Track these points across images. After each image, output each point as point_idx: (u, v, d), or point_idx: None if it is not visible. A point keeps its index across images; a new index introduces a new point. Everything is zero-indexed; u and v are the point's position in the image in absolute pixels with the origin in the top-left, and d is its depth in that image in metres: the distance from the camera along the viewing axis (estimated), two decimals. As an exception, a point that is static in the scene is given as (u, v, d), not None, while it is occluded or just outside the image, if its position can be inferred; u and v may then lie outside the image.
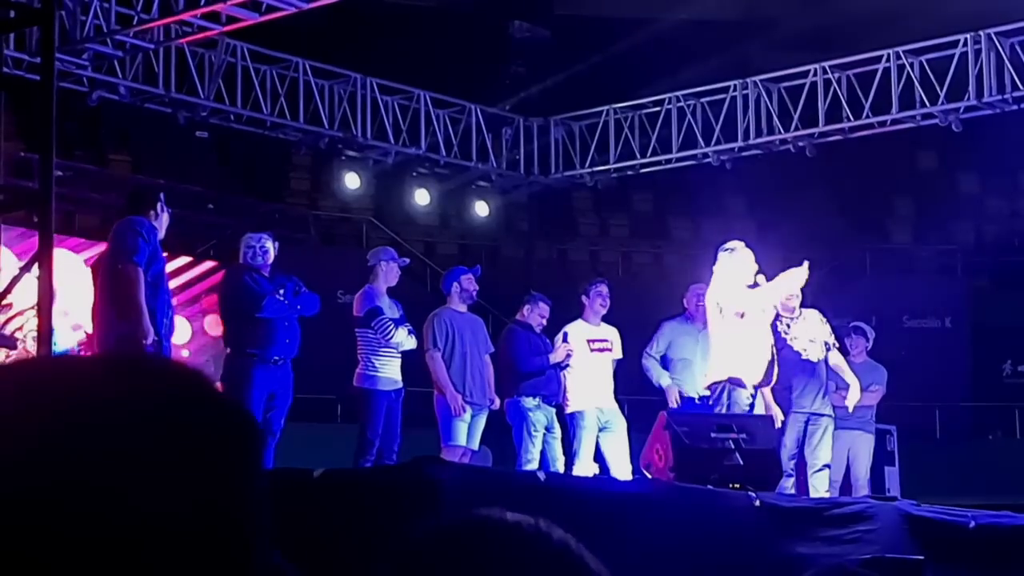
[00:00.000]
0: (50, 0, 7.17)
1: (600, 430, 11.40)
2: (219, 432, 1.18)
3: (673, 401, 11.44)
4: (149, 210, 8.68)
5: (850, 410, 11.16)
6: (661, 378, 11.58)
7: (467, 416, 10.78)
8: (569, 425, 11.42)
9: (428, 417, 10.99)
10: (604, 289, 11.66)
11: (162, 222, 8.76)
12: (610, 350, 11.54)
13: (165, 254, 9.30)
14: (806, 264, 10.54)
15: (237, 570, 1.17)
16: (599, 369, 11.47)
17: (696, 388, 11.44)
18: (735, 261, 10.36)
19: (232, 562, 1.17)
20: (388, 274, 10.57)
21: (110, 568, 1.11)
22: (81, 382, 1.17)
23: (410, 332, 10.46)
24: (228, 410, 1.20)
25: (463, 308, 11.05)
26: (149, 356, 1.28)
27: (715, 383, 10.18)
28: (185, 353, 15.50)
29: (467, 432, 10.80)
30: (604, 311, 11.62)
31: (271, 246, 9.85)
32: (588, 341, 11.50)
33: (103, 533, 1.11)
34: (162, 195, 8.90)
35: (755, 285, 10.26)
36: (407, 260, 10.96)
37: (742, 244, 10.50)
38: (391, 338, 10.30)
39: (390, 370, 10.37)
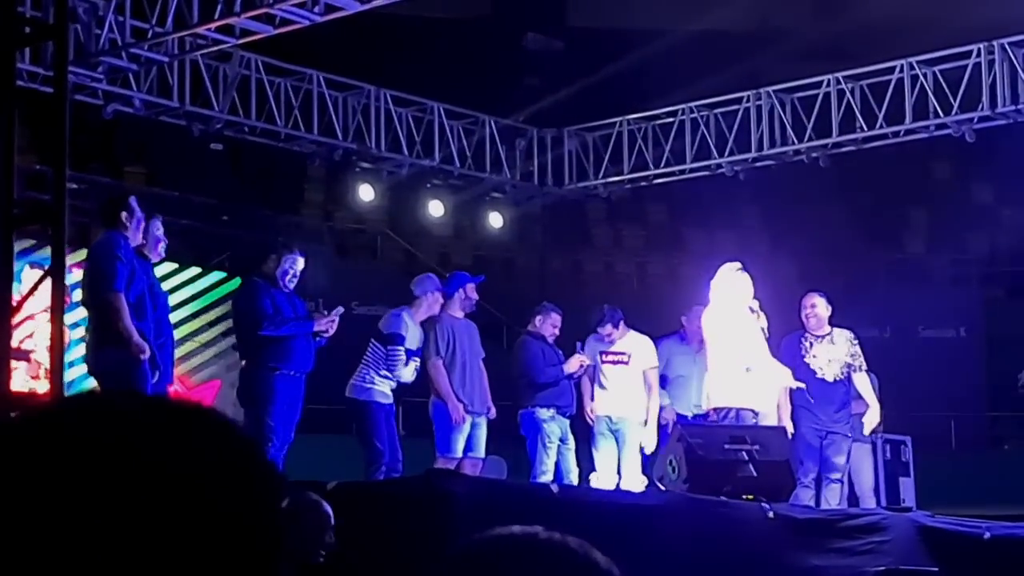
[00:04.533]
0: (63, 16, 7.20)
1: (615, 437, 11.41)
2: (246, 481, 1.20)
3: (667, 419, 11.47)
4: (120, 214, 8.66)
5: (865, 431, 11.15)
6: (662, 401, 11.63)
7: (466, 426, 10.75)
8: (590, 434, 11.47)
9: (423, 426, 10.95)
10: (614, 318, 11.62)
11: (136, 225, 8.73)
12: (624, 363, 11.52)
13: (175, 265, 9.34)
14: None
15: None
16: (615, 380, 11.48)
17: (691, 406, 11.49)
18: (724, 288, 10.34)
19: None
20: (431, 305, 10.61)
21: None
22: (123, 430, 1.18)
23: (416, 369, 10.50)
24: (250, 453, 1.23)
25: (460, 315, 11.03)
26: (186, 406, 1.29)
27: (720, 408, 10.16)
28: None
29: (465, 441, 10.76)
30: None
31: (301, 266, 9.93)
32: (601, 352, 11.53)
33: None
34: (132, 199, 8.84)
35: (753, 311, 10.26)
36: (448, 291, 10.91)
37: (734, 268, 10.46)
38: (396, 372, 10.35)
39: (386, 388, 10.42)
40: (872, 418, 11.01)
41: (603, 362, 11.54)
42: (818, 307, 10.91)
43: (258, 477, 1.22)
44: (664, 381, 11.70)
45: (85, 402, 1.22)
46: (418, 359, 10.47)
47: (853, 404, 11.19)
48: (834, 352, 10.83)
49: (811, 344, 10.81)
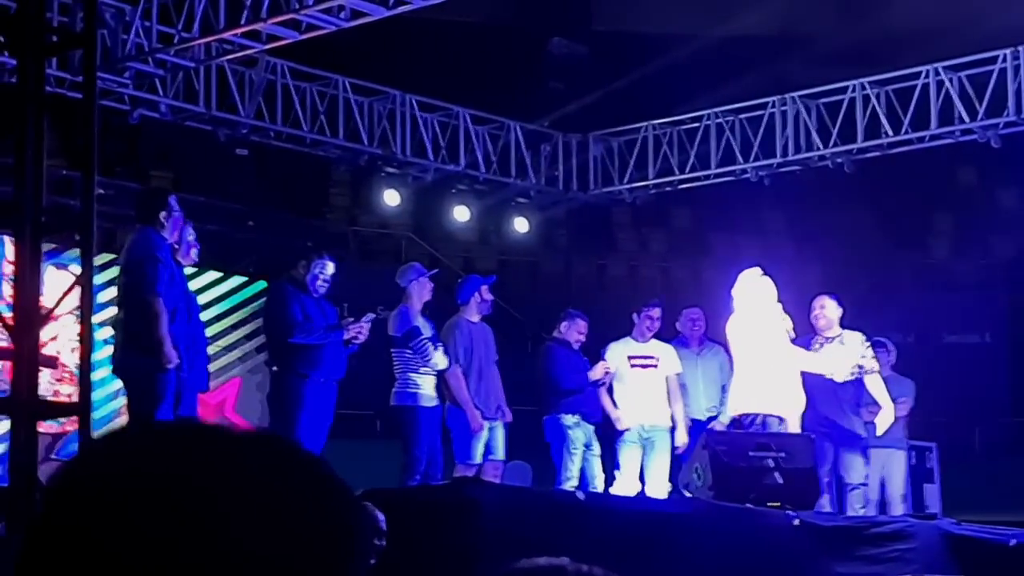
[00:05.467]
0: (92, 25, 7.25)
1: (643, 445, 11.43)
2: (335, 525, 1.23)
3: (679, 440, 11.49)
4: (159, 213, 8.67)
5: (878, 432, 11.14)
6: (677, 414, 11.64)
7: (484, 432, 10.78)
8: (613, 440, 11.48)
9: (443, 430, 10.96)
10: (655, 312, 11.72)
11: (173, 225, 8.74)
12: (655, 367, 11.55)
13: (196, 269, 9.37)
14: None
15: None
16: (642, 385, 11.50)
17: (700, 410, 11.52)
18: (747, 293, 10.34)
19: None
20: (422, 291, 10.62)
21: None
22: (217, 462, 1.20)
23: (445, 352, 10.52)
24: (345, 499, 1.25)
25: (477, 318, 11.06)
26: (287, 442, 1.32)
27: (746, 414, 10.17)
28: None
29: (484, 447, 10.79)
30: (651, 334, 11.68)
31: (332, 271, 9.94)
32: (629, 357, 11.54)
33: None
34: (172, 198, 8.85)
35: (774, 315, 10.26)
36: (436, 270, 11.00)
37: (755, 273, 10.47)
38: (430, 359, 10.35)
39: (429, 387, 10.42)
40: (885, 419, 10.99)
41: (633, 366, 11.55)
42: (827, 308, 10.92)
43: (334, 494, 1.24)
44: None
45: (153, 436, 1.24)
46: (441, 344, 10.49)
47: (873, 409, 11.20)
48: (844, 353, 10.83)
49: (820, 345, 10.81)
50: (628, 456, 11.40)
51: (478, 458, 10.72)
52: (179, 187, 18.10)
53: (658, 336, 11.81)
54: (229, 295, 16.03)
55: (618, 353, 11.62)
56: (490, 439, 10.87)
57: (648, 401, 11.52)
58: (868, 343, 11.00)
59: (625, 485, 11.20)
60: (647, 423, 11.47)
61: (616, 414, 11.53)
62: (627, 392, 11.53)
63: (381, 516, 6.08)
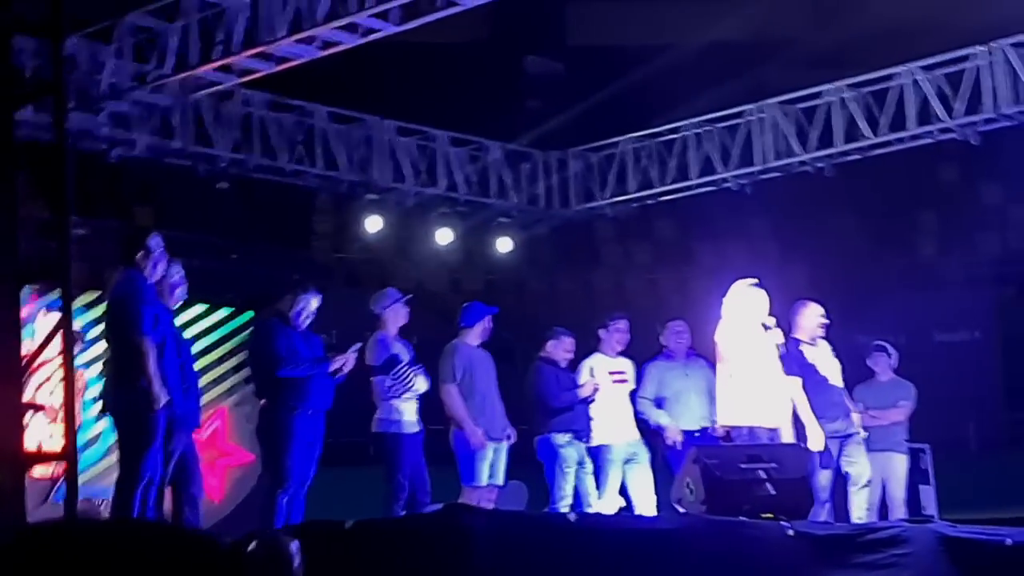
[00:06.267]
0: (59, 71, 7.24)
1: (625, 462, 11.45)
2: None
3: (673, 439, 11.48)
4: (136, 254, 8.68)
5: (861, 434, 11.12)
6: (660, 418, 11.65)
7: (488, 453, 10.75)
8: (594, 459, 11.45)
9: (446, 455, 10.95)
10: (624, 325, 11.75)
11: (153, 265, 8.75)
12: (626, 381, 11.62)
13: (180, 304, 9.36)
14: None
15: None
16: (620, 401, 11.54)
17: (695, 421, 11.52)
18: (738, 304, 10.32)
19: None
20: (397, 317, 10.61)
21: None
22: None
23: (426, 375, 10.51)
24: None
25: (477, 343, 11.07)
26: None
27: (735, 427, 10.17)
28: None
29: (489, 469, 10.78)
30: (621, 347, 11.72)
31: (316, 305, 9.95)
32: (609, 373, 11.56)
33: None
34: (150, 240, 8.85)
35: (767, 327, 10.24)
36: (411, 295, 10.99)
37: (748, 284, 10.45)
38: (413, 388, 10.34)
39: (411, 413, 10.41)
40: (856, 416, 11.05)
41: (614, 382, 11.56)
42: (823, 316, 10.93)
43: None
44: (661, 402, 11.73)
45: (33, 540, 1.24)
46: (419, 367, 10.48)
47: (874, 413, 11.23)
48: (830, 357, 10.88)
49: (811, 351, 10.82)
50: (614, 474, 11.39)
51: (484, 480, 10.72)
52: (162, 223, 18.07)
53: (627, 350, 11.85)
54: (215, 327, 16.01)
55: (599, 369, 11.64)
56: (494, 461, 10.87)
57: (628, 417, 11.57)
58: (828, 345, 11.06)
59: (610, 503, 11.20)
60: (632, 439, 11.50)
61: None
62: (609, 409, 11.53)
63: (295, 551, 6.14)
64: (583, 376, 11.55)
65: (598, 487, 11.33)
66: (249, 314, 15.44)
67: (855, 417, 11.01)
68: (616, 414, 11.53)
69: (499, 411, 10.99)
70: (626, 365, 11.71)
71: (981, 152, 16.46)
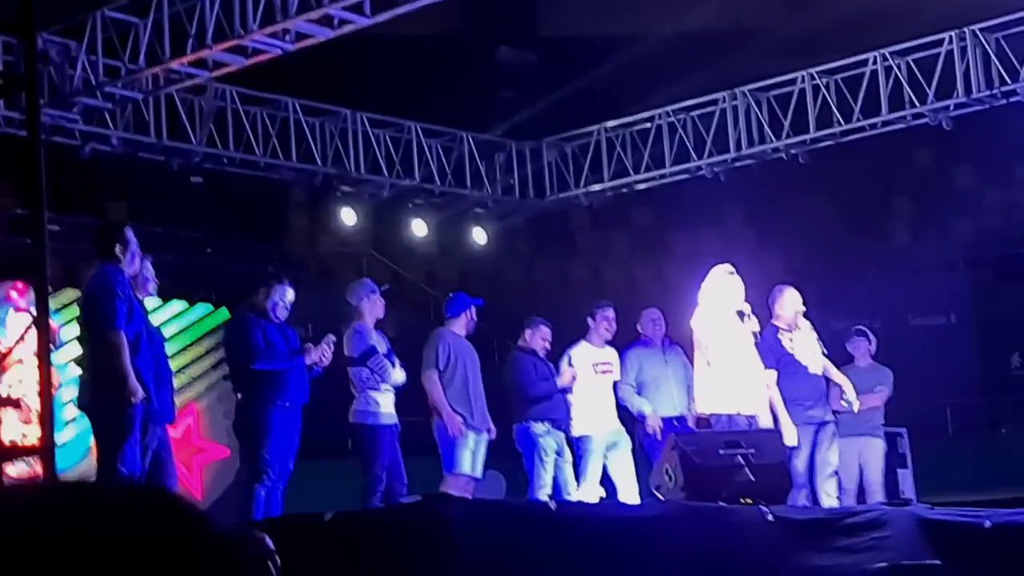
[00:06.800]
0: (32, 65, 7.19)
1: (607, 449, 11.45)
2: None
3: (653, 427, 11.49)
4: (115, 248, 8.62)
5: (855, 409, 11.14)
6: (643, 406, 11.65)
7: (470, 442, 10.74)
8: (576, 448, 11.44)
9: (428, 445, 10.94)
10: (611, 313, 11.72)
11: (131, 258, 8.70)
12: (611, 372, 11.60)
13: (160, 301, 9.33)
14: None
15: None
16: (603, 391, 11.53)
17: (673, 408, 11.53)
18: (715, 291, 10.33)
19: None
20: (373, 308, 10.58)
21: None
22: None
23: (402, 366, 10.50)
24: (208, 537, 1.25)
25: (463, 333, 11.07)
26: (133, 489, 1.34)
27: (712, 414, 10.20)
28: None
29: (471, 458, 10.77)
30: (609, 336, 11.68)
31: (291, 297, 9.91)
32: (593, 364, 11.54)
33: None
34: (127, 230, 8.79)
35: (743, 315, 10.25)
36: (387, 286, 10.97)
37: (725, 271, 10.46)
38: (389, 380, 10.33)
39: (388, 405, 10.39)
40: (851, 391, 11.04)
41: (597, 372, 11.55)
42: (799, 302, 10.93)
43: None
44: (640, 388, 11.73)
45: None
46: (395, 359, 10.46)
47: (865, 399, 11.27)
48: (810, 343, 10.88)
49: (791, 340, 10.83)
50: (595, 464, 11.39)
51: (466, 468, 10.69)
52: (136, 218, 18.00)
53: (614, 338, 11.84)
54: (191, 324, 15.97)
55: (580, 358, 11.61)
56: (474, 452, 10.86)
57: (611, 407, 11.56)
58: (812, 327, 11.05)
59: (591, 492, 11.20)
60: (615, 428, 11.51)
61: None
62: (592, 398, 11.52)
63: (270, 543, 6.11)
64: (563, 365, 11.54)
65: (577, 477, 11.33)
66: (224, 311, 15.41)
67: (851, 394, 10.99)
68: (599, 404, 11.51)
69: (483, 403, 10.99)
70: (611, 355, 11.70)
71: (953, 138, 16.52)
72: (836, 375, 11.13)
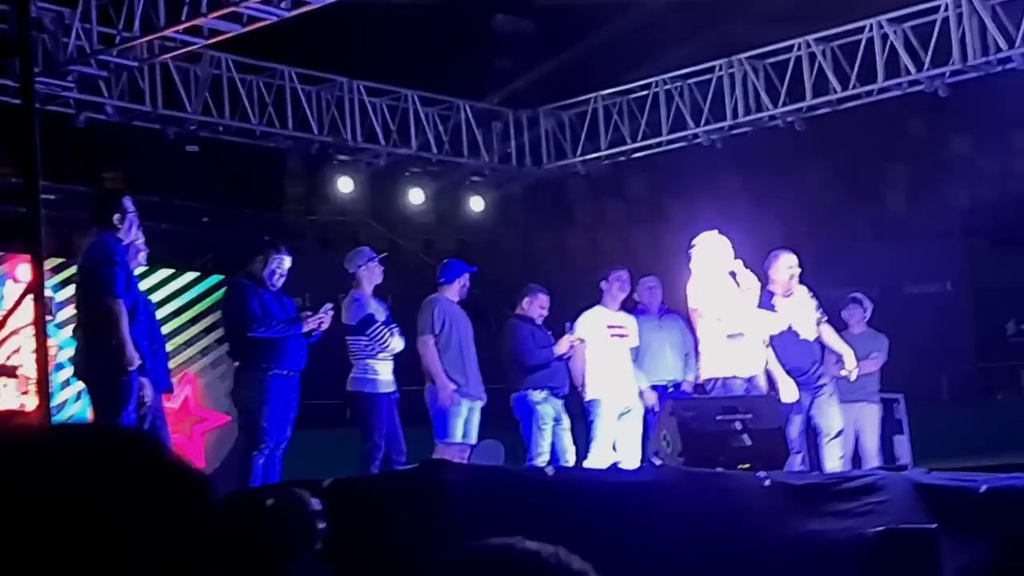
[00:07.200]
0: (26, 30, 7.18)
1: (619, 416, 11.40)
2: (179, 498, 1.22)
3: (651, 403, 11.48)
4: (113, 216, 8.62)
5: (852, 378, 11.15)
6: (639, 380, 11.63)
7: (463, 410, 10.72)
8: (586, 413, 11.42)
9: (422, 413, 10.92)
10: (624, 275, 11.71)
11: (129, 226, 8.70)
12: (626, 336, 11.54)
13: (149, 267, 9.32)
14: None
15: None
16: (617, 356, 11.45)
17: (668, 374, 11.53)
18: (706, 256, 10.36)
19: None
20: (372, 275, 10.57)
21: None
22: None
23: (401, 334, 10.49)
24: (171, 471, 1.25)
25: (456, 299, 11.04)
26: (93, 428, 1.34)
27: (711, 379, 10.22)
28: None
29: (464, 427, 10.75)
30: (623, 296, 11.64)
31: (288, 265, 9.91)
32: (608, 327, 11.48)
33: None
34: (125, 199, 8.79)
35: (733, 274, 10.27)
36: (385, 254, 10.97)
37: (713, 235, 10.47)
38: (387, 347, 10.32)
39: (386, 373, 10.38)
40: (851, 362, 11.02)
41: (612, 336, 11.49)
42: (794, 266, 10.92)
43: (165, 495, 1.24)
44: (637, 355, 11.73)
45: None
46: (395, 327, 10.45)
47: (861, 365, 11.26)
48: (805, 309, 10.87)
49: (784, 303, 10.82)
50: (605, 429, 11.33)
51: (458, 436, 10.67)
52: (132, 187, 17.95)
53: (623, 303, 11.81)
54: (186, 290, 15.95)
55: (594, 322, 11.54)
56: (468, 419, 10.84)
57: (628, 371, 11.49)
58: (812, 295, 11.03)
59: (602, 458, 11.16)
60: (629, 394, 11.44)
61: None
62: (607, 363, 11.45)
63: (315, 501, 6.12)
64: (577, 330, 11.47)
65: (589, 440, 11.29)
66: (219, 278, 15.40)
67: (849, 364, 10.98)
68: (612, 369, 11.44)
69: (476, 370, 10.97)
70: (627, 321, 11.63)
71: (949, 105, 16.49)
72: (837, 343, 11.11)
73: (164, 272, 15.48)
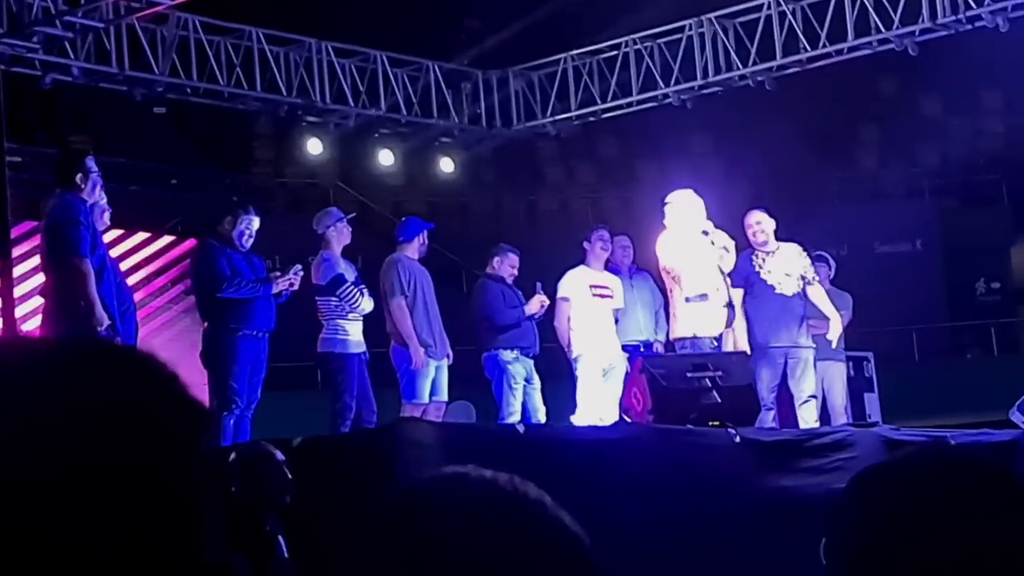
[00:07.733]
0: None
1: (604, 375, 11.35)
2: (171, 419, 1.20)
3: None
4: (76, 176, 8.55)
5: (833, 345, 11.16)
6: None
7: (431, 370, 10.69)
8: (570, 370, 11.38)
9: (389, 374, 10.87)
10: (605, 234, 11.65)
11: (92, 186, 8.63)
12: (611, 296, 11.49)
13: (121, 232, 9.26)
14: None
15: (185, 554, 1.19)
16: (600, 315, 11.41)
17: (639, 333, 11.50)
18: (680, 213, 10.35)
19: (182, 543, 1.18)
20: (341, 236, 10.53)
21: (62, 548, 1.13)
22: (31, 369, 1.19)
23: (371, 295, 10.45)
24: (179, 398, 1.22)
25: (416, 258, 10.97)
26: (102, 344, 1.30)
27: (680, 338, 10.22)
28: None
29: (431, 385, 10.71)
30: (606, 255, 11.59)
31: (257, 225, 9.86)
32: (591, 286, 11.45)
33: (52, 513, 1.13)
34: (88, 160, 8.72)
35: (706, 233, 10.25)
36: (354, 214, 10.92)
37: (687, 194, 10.45)
38: (357, 306, 10.29)
39: (356, 333, 10.34)
40: (835, 329, 11.02)
41: (594, 295, 11.45)
42: (763, 223, 10.89)
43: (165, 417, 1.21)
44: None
45: None
46: (364, 287, 10.40)
47: (813, 323, 11.22)
48: (787, 266, 10.83)
49: (763, 260, 10.79)
50: (588, 386, 11.28)
51: (425, 397, 10.61)
52: (100, 150, 17.91)
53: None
54: (157, 255, 15.89)
55: (577, 281, 11.48)
56: (436, 378, 10.79)
57: (610, 331, 11.46)
58: (805, 253, 11.00)
59: (587, 416, 11.11)
60: (613, 352, 11.40)
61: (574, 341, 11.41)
62: (591, 322, 11.38)
63: (278, 453, 6.12)
64: (561, 290, 11.41)
65: (572, 397, 11.24)
66: (190, 241, 15.34)
67: (833, 331, 10.97)
68: (595, 327, 11.39)
69: (440, 328, 10.92)
70: (610, 280, 11.59)
71: (919, 64, 16.49)
72: (824, 305, 11.07)
73: (138, 236, 15.41)
